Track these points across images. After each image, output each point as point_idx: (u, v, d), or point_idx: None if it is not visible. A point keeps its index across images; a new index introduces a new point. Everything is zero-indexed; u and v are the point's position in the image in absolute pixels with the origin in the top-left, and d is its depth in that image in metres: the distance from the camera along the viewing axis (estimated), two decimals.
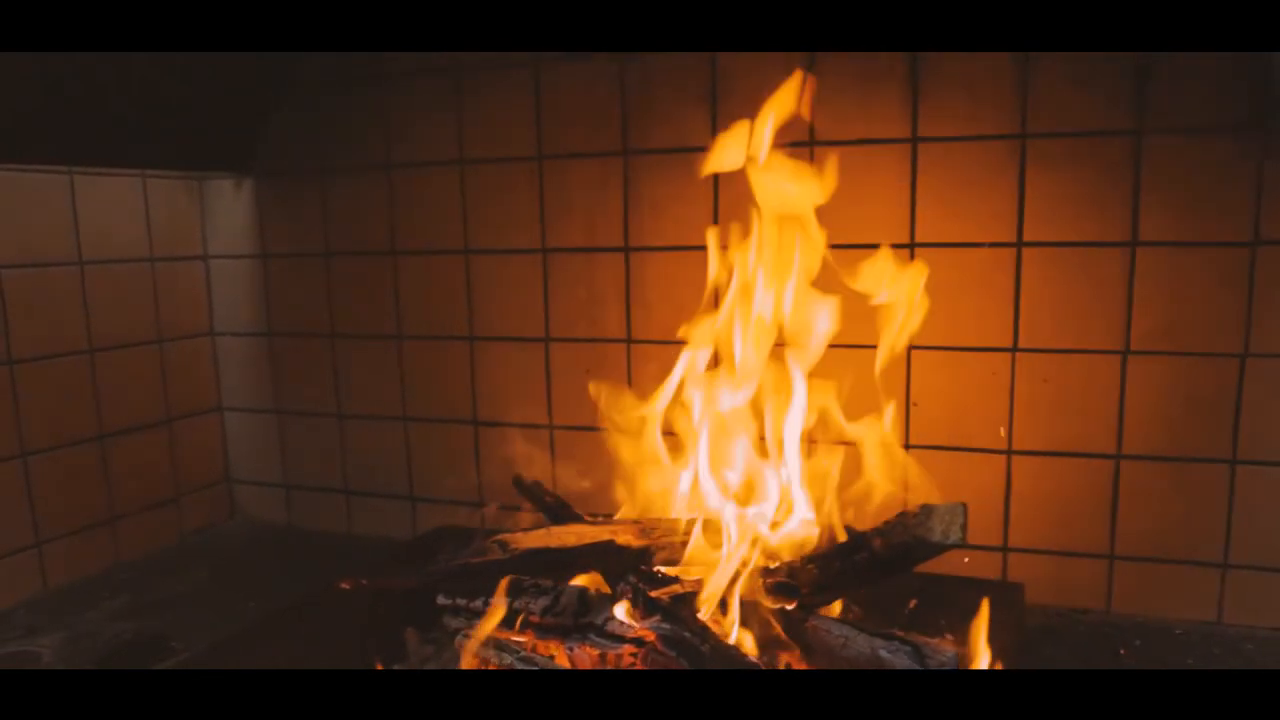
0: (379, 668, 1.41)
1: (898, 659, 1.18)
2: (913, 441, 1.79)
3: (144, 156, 2.07)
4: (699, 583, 1.35)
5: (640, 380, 1.93)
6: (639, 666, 1.28)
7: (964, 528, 1.13)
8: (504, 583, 1.34)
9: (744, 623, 1.28)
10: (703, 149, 1.81)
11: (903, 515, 1.18)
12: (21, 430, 1.89)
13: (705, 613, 1.28)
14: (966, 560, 1.75)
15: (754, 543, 1.32)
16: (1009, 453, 1.74)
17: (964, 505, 1.14)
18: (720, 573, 1.32)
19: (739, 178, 1.80)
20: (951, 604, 1.49)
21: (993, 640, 1.22)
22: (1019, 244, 1.67)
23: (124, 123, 1.90)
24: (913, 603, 1.50)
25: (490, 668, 1.37)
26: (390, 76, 2.04)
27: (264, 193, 2.23)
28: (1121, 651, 1.58)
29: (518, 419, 2.07)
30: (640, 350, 1.94)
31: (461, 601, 1.47)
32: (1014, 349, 1.71)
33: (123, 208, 2.10)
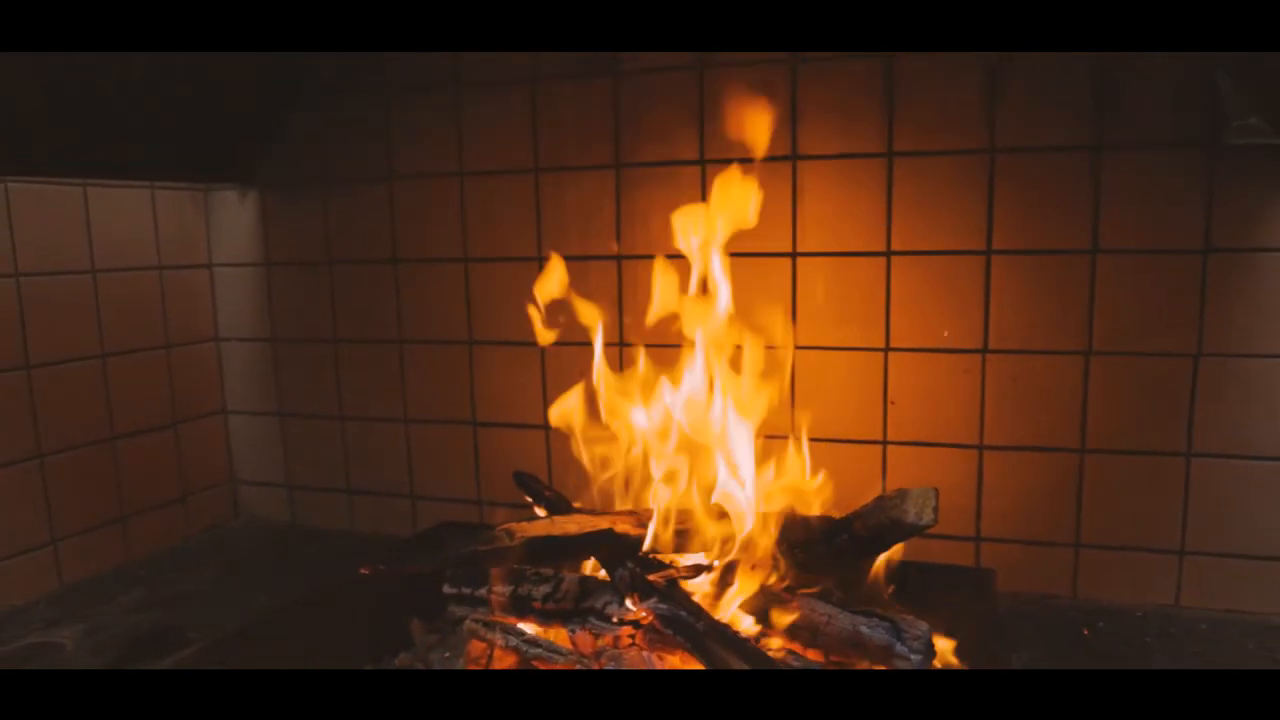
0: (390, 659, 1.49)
1: (877, 634, 1.28)
2: (890, 438, 1.89)
3: (154, 169, 2.15)
4: (692, 568, 1.44)
5: None
6: (639, 644, 1.38)
7: (935, 510, 1.23)
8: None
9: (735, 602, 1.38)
10: (691, 163, 1.93)
11: (880, 499, 1.28)
12: (38, 432, 1.97)
13: (699, 594, 1.38)
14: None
15: (743, 529, 1.42)
16: (980, 448, 1.84)
17: (935, 489, 1.25)
18: (712, 557, 1.42)
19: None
20: (927, 588, 1.59)
21: (966, 623, 1.33)
22: (988, 252, 1.78)
23: (134, 137, 1.98)
24: (890, 588, 1.60)
25: (496, 650, 1.47)
26: (392, 92, 2.14)
27: (268, 203, 2.31)
28: (1085, 631, 1.69)
29: (515, 419, 2.16)
30: (632, 353, 2.03)
31: (467, 590, 1.56)
32: (984, 350, 1.82)
33: (133, 218, 2.18)
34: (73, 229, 2.03)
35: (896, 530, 1.25)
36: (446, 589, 1.59)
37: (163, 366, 2.27)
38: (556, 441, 2.14)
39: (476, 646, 1.49)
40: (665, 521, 1.46)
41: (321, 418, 2.34)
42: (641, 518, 1.53)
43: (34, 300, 1.95)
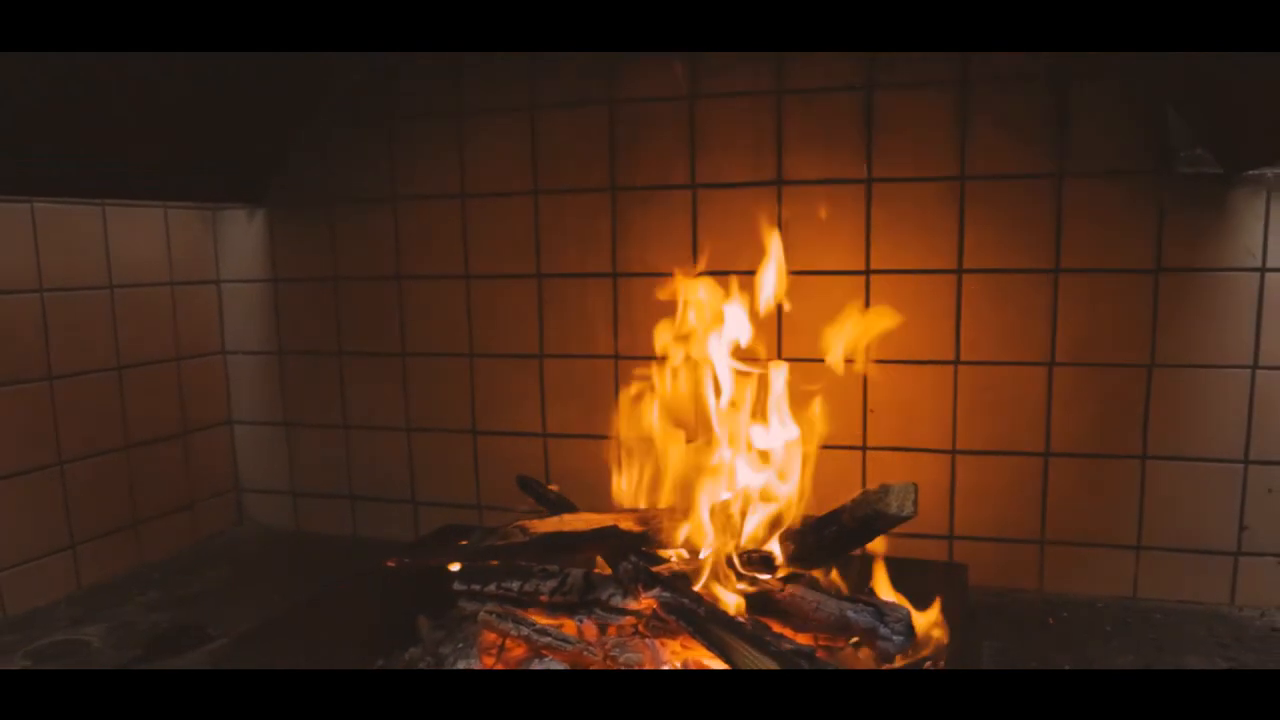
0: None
1: (862, 618, 1.41)
2: (870, 444, 2.03)
3: (167, 190, 2.26)
4: (691, 561, 1.56)
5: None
6: (642, 632, 1.50)
7: (915, 503, 1.36)
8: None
9: (732, 592, 1.50)
10: (683, 187, 2.06)
11: (865, 493, 1.41)
12: (59, 441, 2.06)
13: (698, 584, 1.50)
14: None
15: (738, 524, 1.54)
16: (953, 452, 1.98)
17: (915, 485, 1.38)
18: (710, 550, 1.54)
19: (715, 213, 2.05)
20: (905, 581, 1.72)
21: (942, 614, 1.46)
22: (959, 271, 1.93)
23: (149, 160, 2.09)
24: (873, 581, 1.72)
25: (508, 640, 1.57)
26: (397, 118, 2.25)
27: (275, 222, 2.42)
28: (1050, 621, 1.83)
29: (514, 428, 2.28)
30: (626, 365, 2.16)
31: (476, 586, 1.67)
32: (956, 362, 1.96)
33: (147, 236, 2.28)
34: (92, 247, 2.13)
35: (881, 521, 1.38)
36: (456, 585, 1.69)
37: (173, 378, 2.36)
38: (553, 448, 2.25)
39: (488, 636, 1.60)
40: (666, 518, 1.59)
41: (326, 427, 2.44)
42: (642, 516, 1.65)
43: (56, 315, 2.04)
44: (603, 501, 1.82)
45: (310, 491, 2.50)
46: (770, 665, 1.25)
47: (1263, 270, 1.78)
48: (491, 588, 1.63)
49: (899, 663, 1.40)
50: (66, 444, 2.08)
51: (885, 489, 1.38)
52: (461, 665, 1.52)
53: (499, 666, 1.51)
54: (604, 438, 2.15)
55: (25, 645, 1.81)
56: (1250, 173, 1.76)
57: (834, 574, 1.57)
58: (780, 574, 1.50)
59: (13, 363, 1.97)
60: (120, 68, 1.79)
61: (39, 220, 2.00)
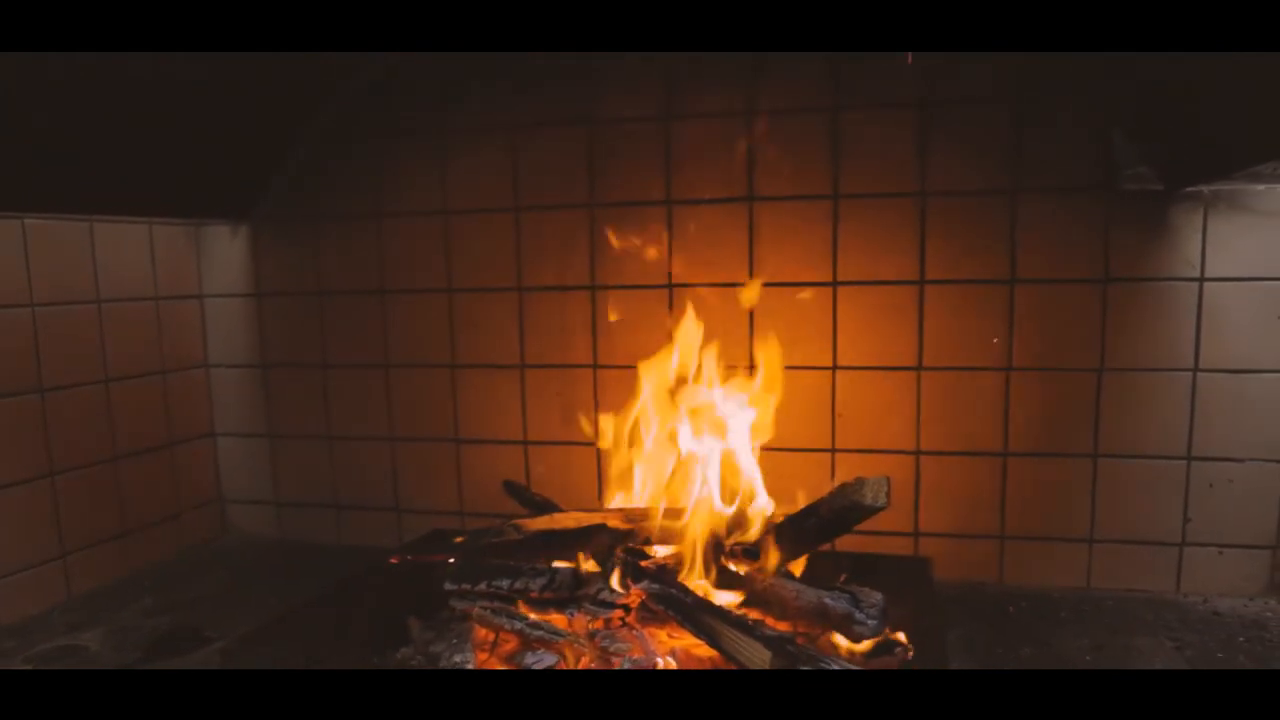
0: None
1: (839, 604, 1.50)
2: (838, 446, 2.13)
3: (156, 208, 2.32)
4: (677, 555, 1.65)
5: (605, 399, 2.24)
6: (630, 623, 1.58)
7: (889, 495, 1.46)
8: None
9: (716, 582, 1.59)
10: (658, 203, 2.15)
11: (842, 485, 1.51)
12: (50, 452, 2.10)
13: (684, 576, 1.59)
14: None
15: (722, 519, 1.63)
16: (917, 453, 2.09)
17: (888, 478, 1.48)
18: (695, 544, 1.62)
19: (689, 229, 2.15)
20: (874, 574, 1.82)
21: (908, 604, 1.57)
22: (921, 282, 2.04)
23: (140, 180, 2.14)
24: (843, 577, 1.82)
25: (501, 634, 1.64)
26: (381, 137, 2.33)
27: (259, 238, 2.47)
28: (1010, 610, 1.94)
29: (496, 436, 2.35)
30: (604, 374, 2.25)
31: (466, 585, 1.74)
32: (919, 368, 2.07)
33: (132, 251, 2.33)
34: (80, 262, 2.18)
35: (856, 512, 1.48)
36: (447, 585, 1.75)
37: (159, 391, 2.41)
38: (534, 455, 2.33)
39: (480, 633, 1.66)
40: (652, 516, 1.67)
41: (310, 438, 2.50)
42: (629, 514, 1.74)
43: (46, 329, 2.09)
44: (583, 504, 1.90)
45: (294, 501, 2.55)
46: (758, 648, 1.34)
47: (1201, 280, 1.92)
48: (482, 586, 1.70)
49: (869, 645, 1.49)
50: (57, 455, 2.12)
51: (860, 481, 1.48)
52: (458, 659, 1.59)
53: (493, 660, 1.58)
54: (583, 444, 2.24)
55: (25, 650, 1.85)
56: (1189, 189, 1.90)
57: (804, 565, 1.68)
58: (760, 565, 1.59)
59: (4, 376, 2.01)
60: (111, 79, 1.83)
61: (29, 235, 2.04)
